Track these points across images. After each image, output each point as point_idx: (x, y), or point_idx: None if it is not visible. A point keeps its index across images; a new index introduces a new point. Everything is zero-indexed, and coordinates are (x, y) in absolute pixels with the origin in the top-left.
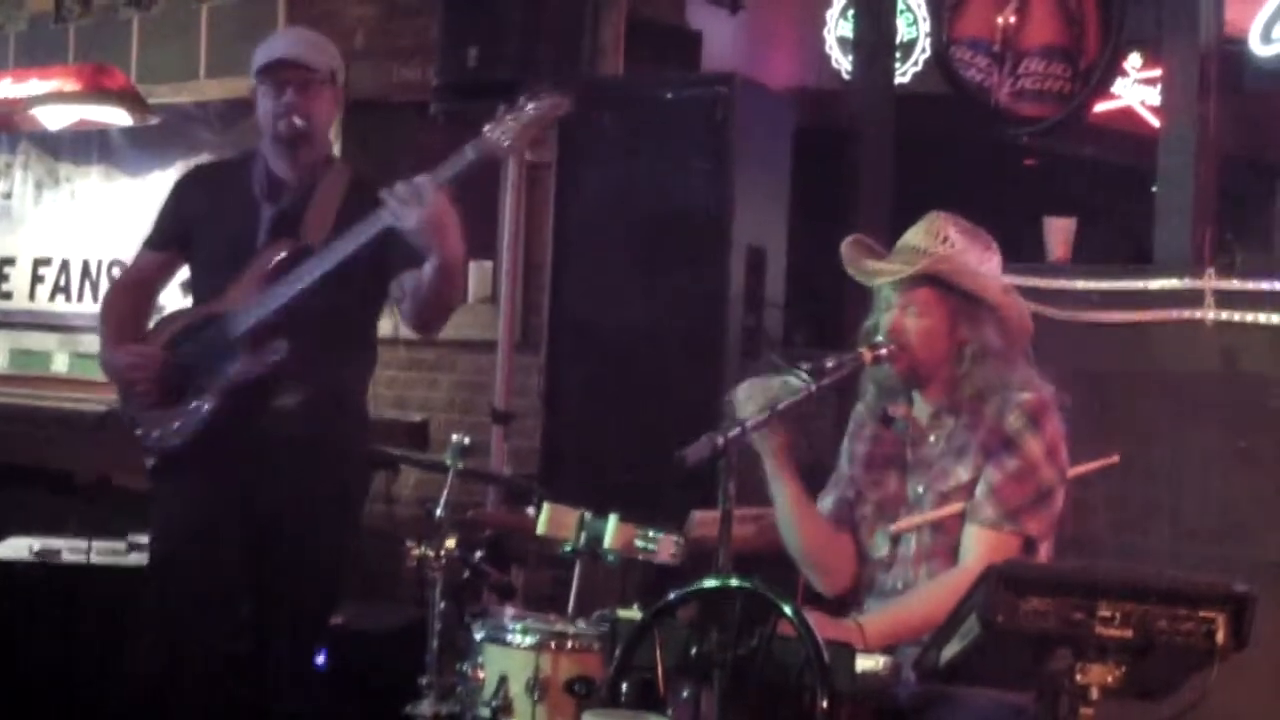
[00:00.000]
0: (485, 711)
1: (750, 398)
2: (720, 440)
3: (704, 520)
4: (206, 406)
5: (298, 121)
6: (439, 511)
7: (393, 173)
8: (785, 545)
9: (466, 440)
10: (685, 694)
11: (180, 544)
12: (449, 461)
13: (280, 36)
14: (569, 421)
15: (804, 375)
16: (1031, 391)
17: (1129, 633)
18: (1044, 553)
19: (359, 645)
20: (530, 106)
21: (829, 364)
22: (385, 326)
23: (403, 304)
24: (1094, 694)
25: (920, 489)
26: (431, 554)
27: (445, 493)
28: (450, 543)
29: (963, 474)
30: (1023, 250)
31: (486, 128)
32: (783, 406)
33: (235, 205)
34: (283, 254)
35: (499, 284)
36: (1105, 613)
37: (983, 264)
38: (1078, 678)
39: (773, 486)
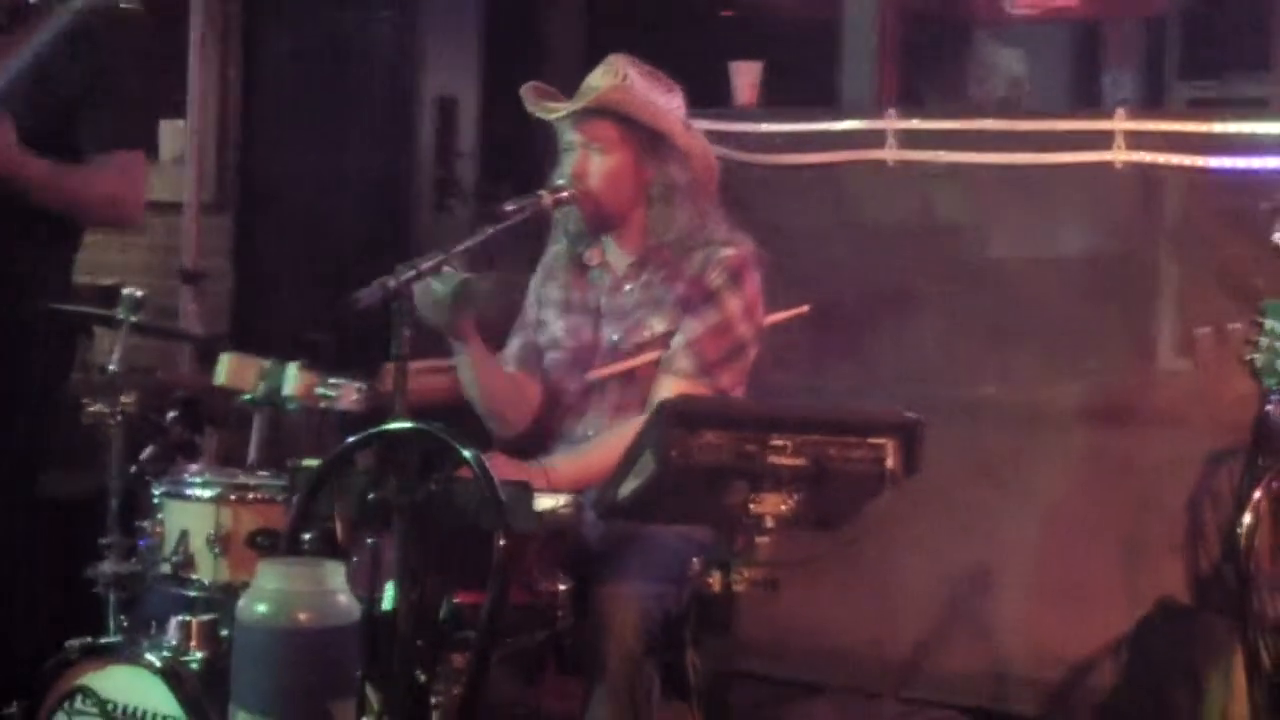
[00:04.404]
0: (166, 568)
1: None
2: (392, 283)
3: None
4: None
5: None
6: (112, 367)
7: None
8: (466, 395)
9: (139, 294)
10: (367, 541)
11: None
12: (121, 315)
13: None
14: (260, 279)
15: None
16: (734, 247)
17: (802, 462)
18: None
19: (43, 513)
20: None
21: (508, 208)
22: None
23: None
24: (769, 524)
25: (616, 338)
26: (107, 412)
27: (119, 349)
28: (127, 400)
29: (659, 325)
30: (715, 99)
31: None
32: (458, 249)
33: None
34: None
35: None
36: (778, 444)
37: (665, 104)
38: (752, 509)
39: (453, 345)
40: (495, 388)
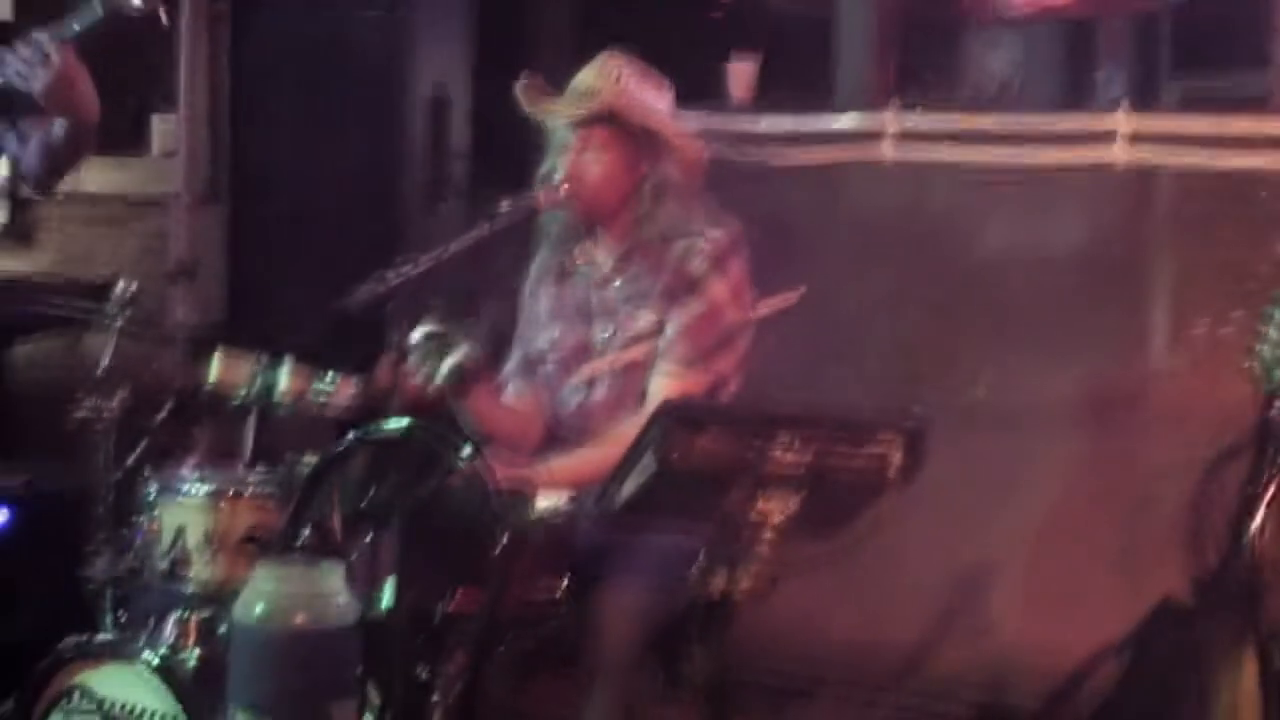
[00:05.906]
0: (163, 565)
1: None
2: (387, 282)
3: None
4: None
5: None
6: (104, 364)
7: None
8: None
9: (133, 288)
10: (364, 541)
11: None
12: (112, 313)
13: None
14: (252, 275)
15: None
16: (716, 232)
17: (805, 464)
18: (731, 394)
19: (44, 507)
20: None
21: (503, 207)
22: (65, 181)
23: (23, 160)
24: (771, 526)
25: (606, 335)
26: (100, 410)
27: (110, 345)
28: (119, 397)
29: (649, 318)
30: (707, 95)
31: None
32: (456, 246)
33: None
34: None
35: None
36: (780, 445)
37: (657, 103)
38: (754, 511)
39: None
40: (501, 431)
